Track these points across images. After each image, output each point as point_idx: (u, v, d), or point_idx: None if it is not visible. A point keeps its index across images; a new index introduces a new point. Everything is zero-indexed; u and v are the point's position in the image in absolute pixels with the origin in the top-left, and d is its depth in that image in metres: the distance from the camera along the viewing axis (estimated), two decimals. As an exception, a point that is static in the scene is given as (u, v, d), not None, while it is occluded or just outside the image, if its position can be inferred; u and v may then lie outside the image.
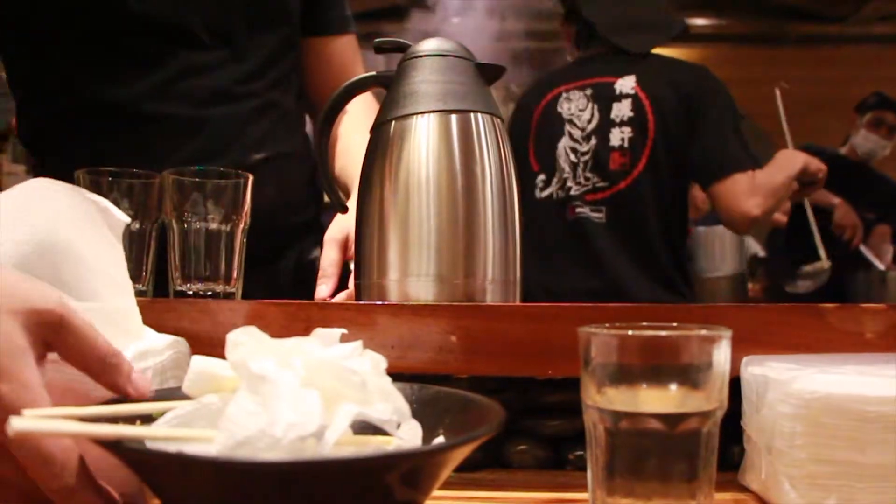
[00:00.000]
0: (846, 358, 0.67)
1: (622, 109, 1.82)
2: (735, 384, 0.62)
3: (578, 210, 1.83)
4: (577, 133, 1.85)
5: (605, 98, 1.83)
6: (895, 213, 3.50)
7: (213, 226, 0.84)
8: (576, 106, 1.86)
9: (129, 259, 0.71)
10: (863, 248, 3.28)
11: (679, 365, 0.54)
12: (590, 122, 1.84)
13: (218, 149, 1.08)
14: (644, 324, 0.55)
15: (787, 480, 0.58)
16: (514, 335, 0.71)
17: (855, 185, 3.31)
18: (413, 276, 0.79)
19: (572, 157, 1.84)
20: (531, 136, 1.93)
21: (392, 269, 0.80)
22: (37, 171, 1.19)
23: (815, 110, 4.09)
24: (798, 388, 0.58)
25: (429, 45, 0.85)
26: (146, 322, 0.68)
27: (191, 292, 0.84)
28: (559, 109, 1.88)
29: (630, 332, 0.54)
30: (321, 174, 0.94)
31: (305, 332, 0.53)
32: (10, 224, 0.66)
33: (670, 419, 0.52)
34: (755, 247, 4.09)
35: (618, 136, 1.81)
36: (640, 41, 1.91)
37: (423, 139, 0.80)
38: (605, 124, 1.82)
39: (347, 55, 1.28)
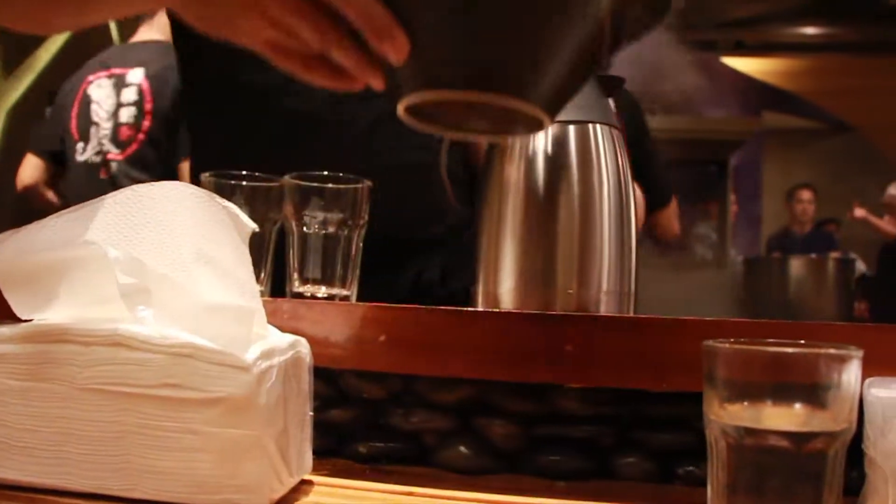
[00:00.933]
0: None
1: None
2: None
3: None
4: None
5: None
6: None
7: (332, 230, 0.87)
8: None
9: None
10: None
11: (806, 383, 0.52)
12: None
13: (344, 150, 1.09)
14: (769, 340, 0.54)
15: (918, 508, 0.56)
16: (629, 347, 0.70)
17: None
18: (528, 284, 0.80)
19: None
20: None
21: (507, 277, 0.81)
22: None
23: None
24: (932, 413, 0.56)
25: (547, 57, 0.85)
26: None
27: (308, 294, 0.87)
28: None
29: (756, 348, 0.53)
30: (440, 167, 0.93)
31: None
32: (141, 223, 0.70)
33: (796, 437, 0.51)
34: (860, 265, 3.92)
35: None
36: None
37: (540, 150, 0.81)
38: None
39: None
